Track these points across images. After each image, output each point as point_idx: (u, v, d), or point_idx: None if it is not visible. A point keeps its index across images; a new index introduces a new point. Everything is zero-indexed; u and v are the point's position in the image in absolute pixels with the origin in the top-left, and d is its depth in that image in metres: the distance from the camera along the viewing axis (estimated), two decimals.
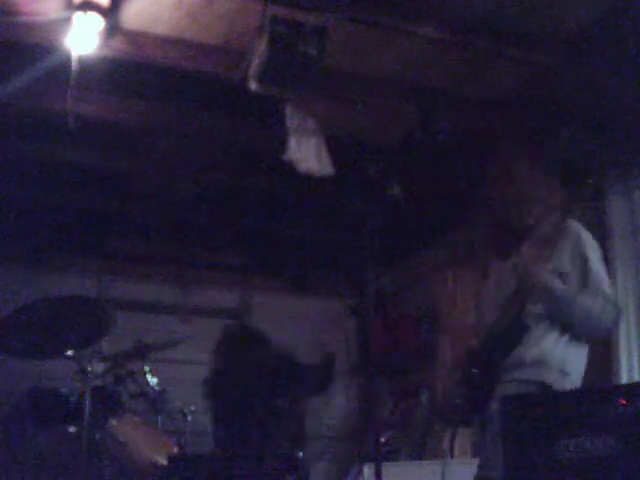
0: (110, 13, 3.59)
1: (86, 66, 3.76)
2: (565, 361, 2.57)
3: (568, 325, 2.57)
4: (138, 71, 4.03)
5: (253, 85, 3.82)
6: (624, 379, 4.27)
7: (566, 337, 2.60)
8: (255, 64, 3.72)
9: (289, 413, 4.28)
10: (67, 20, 3.57)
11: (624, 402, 1.97)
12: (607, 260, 4.47)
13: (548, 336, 2.59)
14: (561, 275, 2.57)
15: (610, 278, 4.52)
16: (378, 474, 2.47)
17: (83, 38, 3.62)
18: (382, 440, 5.16)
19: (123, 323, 4.62)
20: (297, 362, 4.47)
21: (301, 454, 3.79)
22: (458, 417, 2.73)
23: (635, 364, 4.35)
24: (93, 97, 4.20)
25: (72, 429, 3.85)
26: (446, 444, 5.38)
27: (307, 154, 4.33)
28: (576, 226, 2.70)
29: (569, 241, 2.65)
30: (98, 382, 4.05)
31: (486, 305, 2.86)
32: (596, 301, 2.52)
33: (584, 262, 2.61)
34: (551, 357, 2.56)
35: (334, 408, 6.46)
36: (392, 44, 3.91)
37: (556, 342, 2.59)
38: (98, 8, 3.53)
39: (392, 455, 5.42)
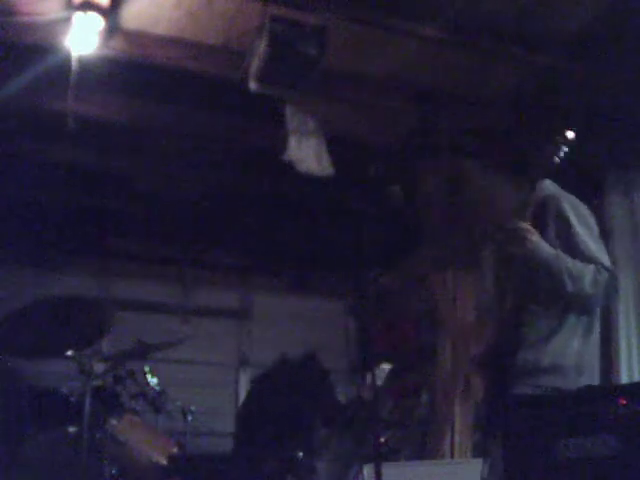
0: (110, 13, 3.59)
1: (86, 66, 3.77)
2: (580, 359, 2.49)
3: (561, 293, 2.44)
4: (138, 71, 4.03)
5: (253, 85, 3.82)
6: (624, 379, 4.27)
7: (579, 332, 2.52)
8: (255, 64, 3.72)
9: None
10: (67, 20, 3.57)
11: (624, 402, 1.97)
12: None
13: (560, 335, 2.53)
14: None
15: None
16: (378, 474, 2.46)
17: (83, 38, 3.63)
18: (382, 440, 5.16)
19: (123, 323, 4.62)
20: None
21: (301, 454, 3.79)
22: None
23: (635, 364, 4.35)
24: (93, 97, 4.20)
25: (72, 429, 3.84)
26: (446, 444, 5.39)
27: (307, 154, 4.33)
28: (556, 198, 2.58)
29: (550, 215, 2.55)
30: (98, 382, 4.04)
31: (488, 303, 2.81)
32: (587, 267, 2.42)
33: (568, 229, 2.51)
34: (567, 360, 2.48)
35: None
36: (392, 44, 3.91)
37: (569, 340, 2.50)
38: (98, 8, 3.54)
39: (392, 455, 5.41)
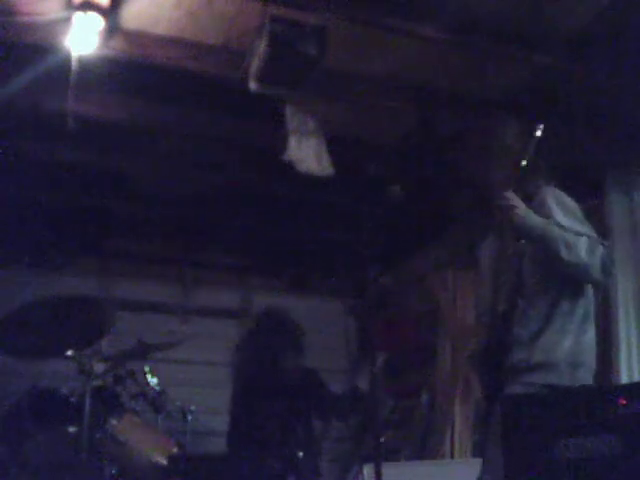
0: (110, 13, 3.59)
1: (86, 66, 3.76)
2: (574, 352, 2.49)
3: (557, 263, 2.46)
4: (138, 71, 4.03)
5: (253, 85, 3.82)
6: (624, 379, 4.27)
7: (571, 331, 2.53)
8: (255, 64, 3.72)
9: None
10: (67, 20, 3.57)
11: (624, 402, 1.97)
12: None
13: (549, 332, 2.53)
14: None
15: None
16: (378, 474, 2.46)
17: (83, 38, 3.62)
18: (382, 440, 5.16)
19: (123, 323, 4.62)
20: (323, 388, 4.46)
21: (301, 454, 3.79)
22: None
23: (635, 364, 4.35)
24: (93, 97, 4.20)
25: (72, 429, 3.84)
26: (446, 444, 5.39)
27: (307, 154, 4.33)
28: (541, 193, 2.65)
29: (534, 205, 2.60)
30: (98, 382, 4.05)
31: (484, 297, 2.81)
32: (580, 237, 2.44)
33: (548, 216, 2.55)
34: (558, 356, 2.48)
35: None
36: (392, 44, 3.91)
37: (560, 337, 2.51)
38: (98, 8, 3.54)
39: (392, 455, 5.42)
